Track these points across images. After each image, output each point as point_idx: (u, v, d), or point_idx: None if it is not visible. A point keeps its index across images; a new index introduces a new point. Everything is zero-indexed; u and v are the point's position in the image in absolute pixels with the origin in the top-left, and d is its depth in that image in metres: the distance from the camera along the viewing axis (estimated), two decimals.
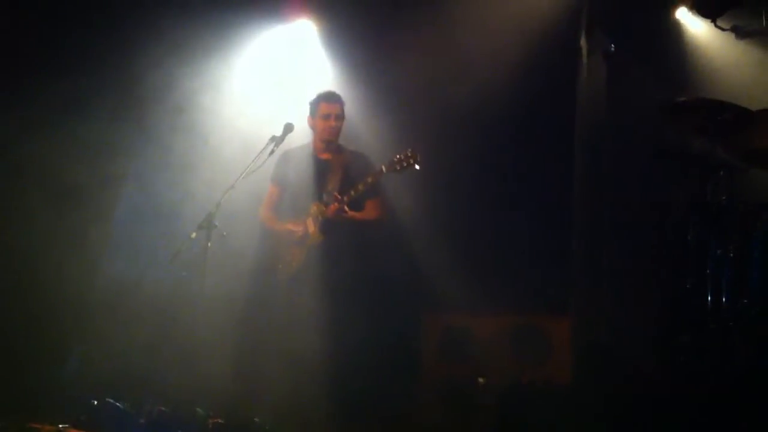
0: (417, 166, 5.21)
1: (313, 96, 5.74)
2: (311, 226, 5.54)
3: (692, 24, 6.58)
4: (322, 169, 5.68)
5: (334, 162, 5.69)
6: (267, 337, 5.53)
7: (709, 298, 5.03)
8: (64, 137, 5.72)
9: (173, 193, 6.09)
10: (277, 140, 5.42)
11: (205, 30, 6.21)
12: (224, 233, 5.23)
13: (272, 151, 5.41)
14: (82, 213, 5.84)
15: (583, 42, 5.94)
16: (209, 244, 5.17)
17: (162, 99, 6.11)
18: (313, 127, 5.73)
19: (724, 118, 4.98)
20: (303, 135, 5.79)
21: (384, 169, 5.32)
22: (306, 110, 5.76)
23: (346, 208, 5.41)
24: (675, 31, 6.60)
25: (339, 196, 5.43)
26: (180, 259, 5.19)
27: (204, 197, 5.52)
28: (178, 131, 6.20)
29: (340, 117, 5.68)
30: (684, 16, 6.59)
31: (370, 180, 5.38)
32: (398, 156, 5.27)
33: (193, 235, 5.17)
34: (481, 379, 5.51)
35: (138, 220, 6.15)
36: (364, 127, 6.38)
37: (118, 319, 5.86)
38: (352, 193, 5.43)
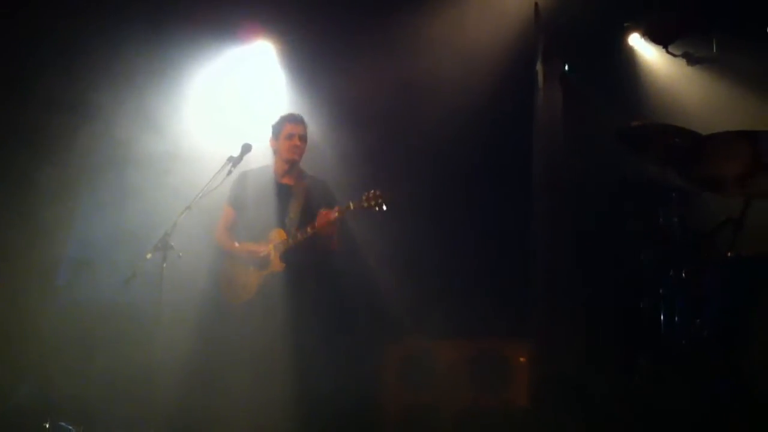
0: (384, 207, 5.20)
1: (276, 119, 5.72)
2: (273, 254, 5.50)
3: (645, 50, 6.72)
4: (283, 195, 5.63)
5: (297, 188, 5.66)
6: (224, 362, 5.47)
7: (662, 320, 5.11)
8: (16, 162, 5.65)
9: (128, 215, 6.03)
10: (234, 161, 5.39)
11: (162, 51, 6.18)
12: (180, 254, 5.18)
13: (229, 172, 5.38)
14: (34, 233, 5.75)
15: (539, 67, 6.02)
16: (165, 265, 5.12)
17: (116, 121, 6.07)
18: (275, 149, 5.70)
19: (676, 142, 5.06)
20: (261, 156, 5.76)
21: (352, 206, 5.28)
22: (265, 130, 5.74)
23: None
24: (629, 57, 6.73)
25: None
26: (135, 281, 5.13)
27: (159, 218, 5.47)
28: (133, 153, 6.15)
29: (304, 138, 5.67)
30: (637, 42, 6.73)
31: (337, 215, 5.32)
32: (366, 195, 5.23)
33: (149, 255, 5.12)
34: None
35: (92, 242, 6.08)
36: (323, 148, 6.39)
37: (72, 342, 5.77)
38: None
